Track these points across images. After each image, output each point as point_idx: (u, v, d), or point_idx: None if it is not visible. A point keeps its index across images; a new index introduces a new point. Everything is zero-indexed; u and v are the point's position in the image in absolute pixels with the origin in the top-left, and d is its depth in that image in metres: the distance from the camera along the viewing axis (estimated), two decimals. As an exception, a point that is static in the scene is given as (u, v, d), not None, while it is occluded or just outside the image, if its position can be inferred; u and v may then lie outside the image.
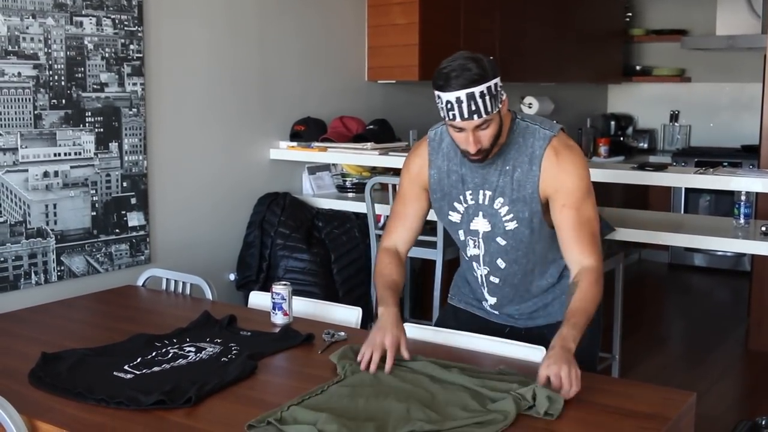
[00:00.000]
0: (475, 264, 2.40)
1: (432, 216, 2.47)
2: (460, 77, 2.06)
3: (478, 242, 2.34)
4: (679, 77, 7.50)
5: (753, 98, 6.92)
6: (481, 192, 2.28)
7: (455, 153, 2.30)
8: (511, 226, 2.27)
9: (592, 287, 2.15)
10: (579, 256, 2.20)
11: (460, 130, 2.12)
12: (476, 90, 2.06)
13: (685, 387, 2.11)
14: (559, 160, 2.21)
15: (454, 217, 2.35)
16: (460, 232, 2.37)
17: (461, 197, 2.31)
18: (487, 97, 2.07)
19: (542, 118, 2.31)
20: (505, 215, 2.26)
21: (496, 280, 2.39)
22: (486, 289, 2.43)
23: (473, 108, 2.07)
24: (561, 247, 2.25)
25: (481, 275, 2.41)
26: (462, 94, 2.06)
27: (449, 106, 2.08)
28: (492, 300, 2.45)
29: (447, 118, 2.13)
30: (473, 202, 2.30)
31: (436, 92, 2.12)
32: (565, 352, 1.96)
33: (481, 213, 2.30)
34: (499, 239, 2.30)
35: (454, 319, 2.54)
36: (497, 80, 2.11)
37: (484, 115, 2.08)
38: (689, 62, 7.49)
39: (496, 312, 2.47)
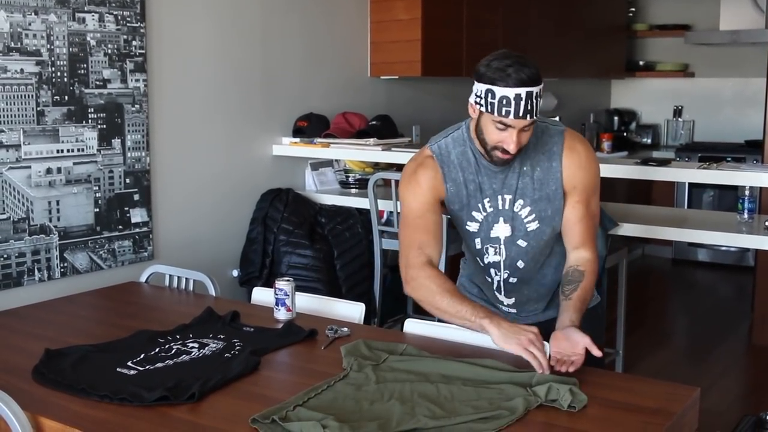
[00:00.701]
0: (493, 270, 2.39)
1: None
2: (521, 73, 2.03)
3: (500, 249, 2.32)
4: (683, 72, 7.48)
5: (757, 93, 6.90)
6: (500, 197, 2.26)
7: (468, 162, 2.26)
8: (533, 226, 2.26)
9: (593, 278, 2.23)
10: (582, 246, 2.25)
11: (505, 128, 2.08)
12: (535, 90, 2.04)
13: (689, 382, 2.11)
14: (578, 155, 2.23)
15: (472, 226, 2.33)
16: (477, 240, 2.35)
17: (479, 206, 2.28)
18: (540, 99, 2.07)
19: (541, 116, 2.29)
20: (526, 216, 2.26)
21: (515, 281, 2.39)
22: (503, 292, 2.43)
23: (529, 107, 2.04)
24: (564, 235, 2.28)
25: (498, 281, 2.40)
26: (523, 91, 2.02)
27: (504, 102, 2.03)
28: (509, 301, 2.44)
29: (498, 114, 2.05)
30: (492, 209, 2.28)
31: (488, 86, 2.06)
32: (571, 329, 2.07)
33: (501, 219, 2.28)
34: (520, 242, 2.30)
35: None
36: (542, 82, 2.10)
37: (536, 116, 2.08)
38: (692, 57, 7.47)
39: (513, 312, 2.46)
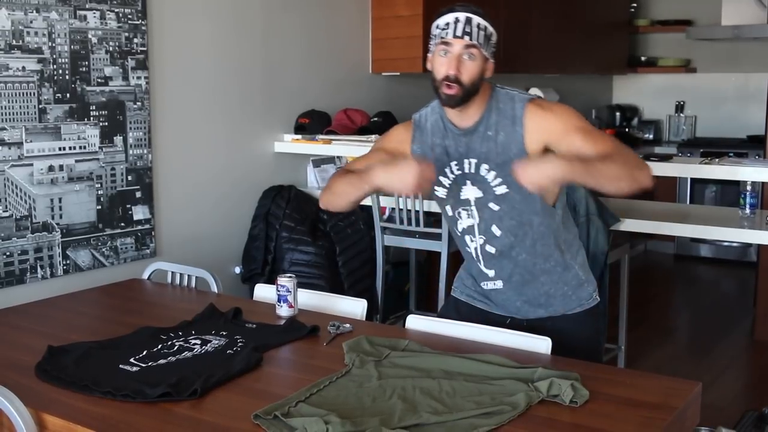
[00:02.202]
0: (468, 238, 2.37)
1: (437, 208, 2.46)
2: (464, 6, 2.20)
3: (471, 211, 2.32)
4: (685, 68, 7.48)
5: (759, 88, 6.90)
6: (466, 161, 2.29)
7: (438, 128, 2.33)
8: (501, 190, 2.26)
9: (623, 155, 2.09)
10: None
11: (446, 53, 2.18)
12: (474, 18, 2.18)
13: (691, 377, 2.11)
14: (543, 110, 2.23)
15: (440, 192, 2.36)
16: (448, 207, 2.37)
17: (446, 170, 2.32)
18: (482, 32, 2.19)
19: (520, 89, 2.32)
20: (492, 180, 2.26)
21: (492, 250, 2.34)
22: (483, 263, 2.38)
23: (467, 30, 2.17)
24: None
25: (475, 248, 2.37)
26: (462, 15, 2.18)
27: (445, 25, 2.18)
28: (491, 272, 2.39)
29: (439, 38, 2.19)
30: (459, 172, 2.30)
31: (434, 23, 2.21)
32: (551, 156, 2.05)
33: (468, 181, 2.30)
34: (491, 204, 2.29)
35: (455, 311, 2.52)
36: (494, 34, 2.23)
37: (475, 41, 2.17)
38: (694, 53, 7.46)
39: (499, 287, 2.40)
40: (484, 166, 2.26)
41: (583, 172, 2.03)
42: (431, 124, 2.36)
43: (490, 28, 2.21)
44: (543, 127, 2.20)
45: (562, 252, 2.36)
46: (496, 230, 2.31)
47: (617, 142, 2.15)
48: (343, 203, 2.35)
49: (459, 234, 2.41)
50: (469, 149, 2.27)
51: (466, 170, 2.29)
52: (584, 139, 2.15)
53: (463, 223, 2.36)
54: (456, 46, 2.17)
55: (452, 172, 2.31)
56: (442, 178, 2.33)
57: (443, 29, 2.19)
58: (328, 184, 2.39)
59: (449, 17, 2.19)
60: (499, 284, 2.41)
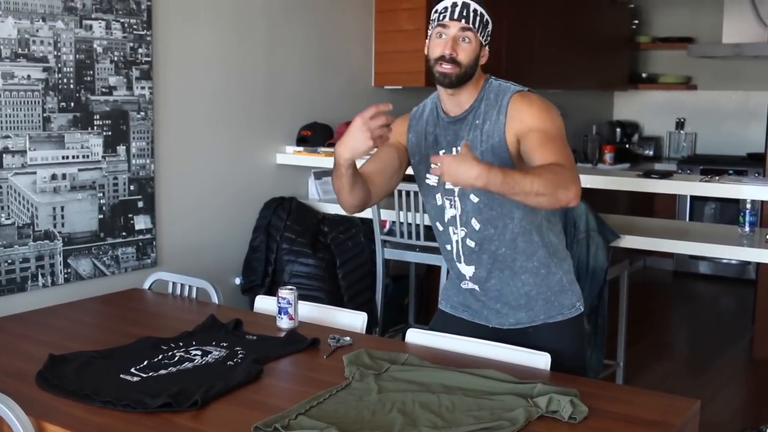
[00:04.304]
0: (452, 229, 2.37)
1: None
2: None
3: (454, 202, 2.34)
4: (685, 85, 7.50)
5: (759, 106, 6.93)
6: (453, 149, 2.31)
7: (432, 116, 2.39)
8: None
9: (550, 172, 2.03)
10: (544, 161, 2.11)
11: (442, 36, 2.24)
12: (472, 4, 2.24)
13: (690, 394, 2.12)
14: (524, 100, 2.25)
15: (431, 179, 2.38)
16: (438, 195, 2.38)
17: None
18: (478, 18, 2.24)
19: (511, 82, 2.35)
20: None
21: (472, 244, 2.34)
22: (463, 259, 2.37)
23: (464, 13, 2.23)
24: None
25: (457, 241, 2.36)
26: (459, 0, 2.24)
27: (443, 9, 2.25)
28: (469, 271, 2.37)
29: (437, 21, 2.25)
30: None
31: (434, 9, 2.27)
32: (475, 157, 1.98)
33: None
34: (472, 196, 2.30)
35: (441, 322, 2.53)
36: (490, 22, 2.29)
37: (471, 25, 2.23)
38: (695, 70, 7.49)
39: (476, 288, 2.39)
40: None
41: (500, 183, 1.97)
42: (427, 113, 2.43)
43: (487, 16, 2.27)
44: (518, 118, 2.23)
45: (547, 253, 2.35)
46: (475, 223, 2.32)
47: (566, 158, 2.14)
48: (345, 198, 2.36)
49: (443, 227, 2.40)
50: (457, 137, 2.31)
51: None
52: (539, 142, 2.17)
53: (448, 213, 2.37)
54: (452, 29, 2.23)
55: None
56: (433, 166, 2.34)
57: (441, 13, 2.26)
58: None
59: (447, 2, 2.26)
60: (476, 286, 2.39)
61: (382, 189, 2.44)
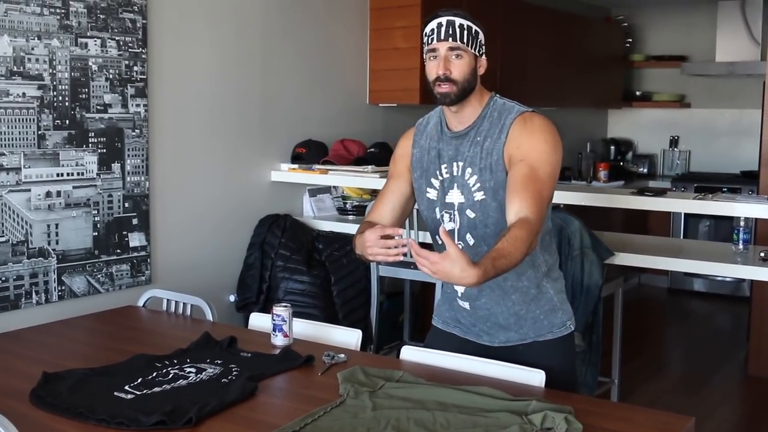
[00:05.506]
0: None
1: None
2: (446, 10, 2.29)
3: (454, 215, 2.35)
4: (679, 103, 7.54)
5: (752, 124, 6.96)
6: (454, 164, 2.33)
7: (436, 131, 2.40)
8: (479, 196, 2.28)
9: (526, 236, 2.07)
10: (519, 207, 2.13)
11: (435, 58, 2.27)
12: (457, 20, 2.26)
13: (685, 412, 2.11)
14: (527, 125, 2.27)
15: (431, 194, 2.39)
16: (437, 209, 2.38)
17: (437, 172, 2.36)
18: (466, 32, 2.26)
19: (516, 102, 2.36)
20: (473, 185, 2.29)
21: None
22: None
23: (450, 32, 2.25)
24: (506, 199, 2.19)
25: None
26: (444, 20, 2.26)
27: (430, 32, 2.28)
28: (461, 287, 2.37)
29: (427, 45, 2.29)
30: (448, 175, 2.34)
31: (424, 32, 2.31)
32: (469, 262, 1.94)
33: (455, 185, 2.33)
34: (468, 211, 2.31)
35: (434, 338, 2.54)
36: (481, 32, 2.30)
37: (459, 42, 2.24)
38: (689, 88, 7.53)
39: (466, 306, 2.40)
40: (468, 170, 2.30)
41: (494, 276, 2.02)
42: (431, 126, 2.44)
43: (475, 27, 2.29)
44: (515, 144, 2.24)
45: (538, 272, 2.35)
46: (470, 238, 2.33)
47: (538, 206, 2.14)
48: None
49: (441, 242, 2.39)
50: (458, 152, 2.33)
51: (454, 173, 2.33)
52: (522, 181, 2.16)
53: (447, 227, 2.37)
54: (441, 50, 2.26)
55: (442, 175, 2.36)
56: (433, 180, 2.38)
57: (429, 36, 2.29)
58: (359, 233, 2.35)
59: (433, 24, 2.29)
60: (467, 303, 2.41)
61: (401, 219, 2.51)
